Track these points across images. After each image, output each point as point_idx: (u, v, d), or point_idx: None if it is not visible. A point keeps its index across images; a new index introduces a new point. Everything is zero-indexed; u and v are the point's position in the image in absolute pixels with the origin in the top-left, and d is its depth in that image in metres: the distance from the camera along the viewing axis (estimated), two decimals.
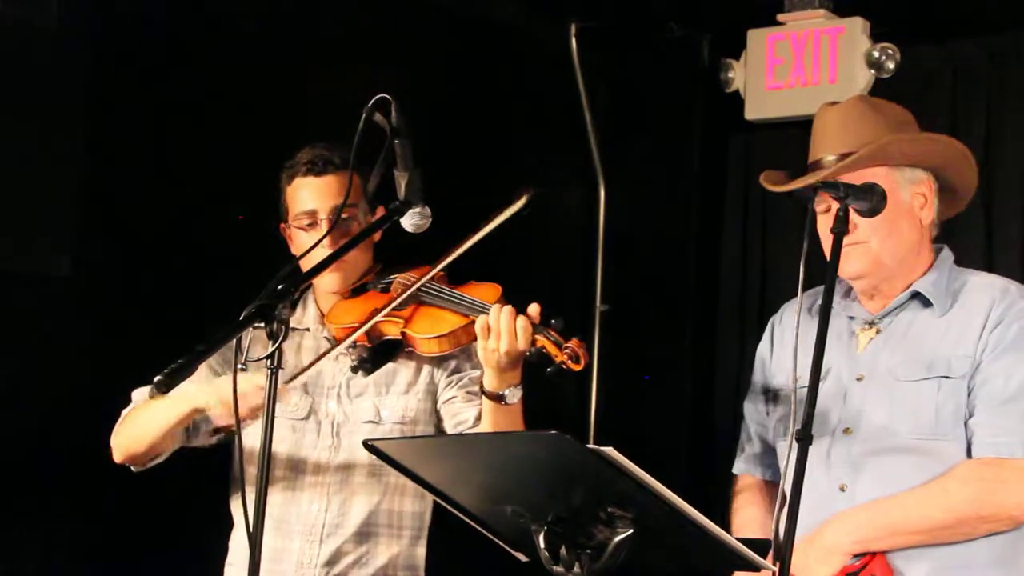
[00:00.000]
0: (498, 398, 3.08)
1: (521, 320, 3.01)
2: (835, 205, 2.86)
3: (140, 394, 3.32)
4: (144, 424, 3.23)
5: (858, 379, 3.13)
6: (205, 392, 3.09)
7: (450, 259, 3.19)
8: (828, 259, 2.98)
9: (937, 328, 3.10)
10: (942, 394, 3.02)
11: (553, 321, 3.05)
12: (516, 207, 3.18)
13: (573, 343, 3.02)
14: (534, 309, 3.05)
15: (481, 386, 3.12)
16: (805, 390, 3.10)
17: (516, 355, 3.03)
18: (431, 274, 3.20)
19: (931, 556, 3.00)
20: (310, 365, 3.16)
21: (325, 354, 3.18)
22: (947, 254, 3.21)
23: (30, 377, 3.90)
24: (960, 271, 3.20)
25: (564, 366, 3.01)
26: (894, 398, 3.06)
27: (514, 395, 3.08)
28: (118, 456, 3.29)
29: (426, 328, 3.20)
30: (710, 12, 5.37)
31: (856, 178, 2.99)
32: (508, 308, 3.03)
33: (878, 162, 3.08)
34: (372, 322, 3.18)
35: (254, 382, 2.90)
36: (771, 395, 3.35)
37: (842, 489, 3.07)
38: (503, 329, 3.00)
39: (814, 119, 3.22)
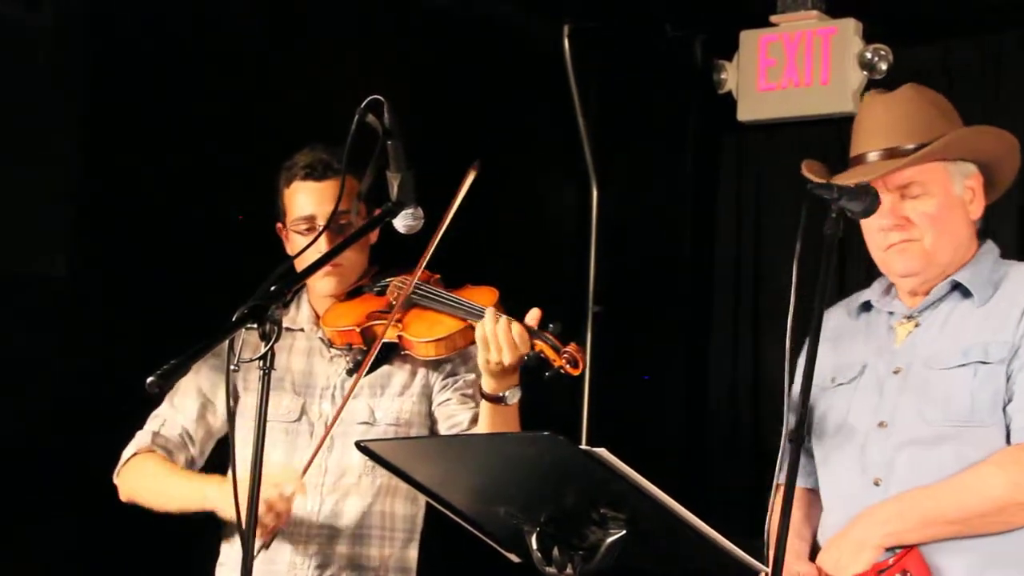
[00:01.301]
0: (498, 400, 3.07)
1: (517, 328, 3.00)
2: (890, 198, 2.83)
3: (144, 436, 3.34)
4: (154, 493, 3.27)
5: (895, 372, 3.04)
6: (219, 496, 3.10)
7: (429, 252, 3.17)
8: (872, 255, 3.04)
9: (977, 317, 3.00)
10: (978, 380, 2.92)
11: (551, 325, 3.03)
12: (467, 182, 3.15)
13: (571, 348, 3.00)
14: (534, 315, 3.04)
15: (480, 390, 3.12)
16: (826, 391, 3.11)
17: (516, 362, 3.02)
18: (417, 272, 3.19)
19: (969, 549, 2.89)
20: (318, 447, 3.19)
21: (330, 424, 3.21)
22: (991, 246, 3.13)
23: (29, 377, 3.91)
24: (1004, 263, 3.11)
25: (562, 371, 3.00)
26: (928, 387, 2.97)
27: (514, 396, 3.08)
28: (123, 498, 3.33)
29: (422, 332, 3.19)
30: (703, 13, 5.39)
31: (913, 173, 2.97)
32: (504, 320, 3.01)
33: (941, 156, 3.01)
34: (377, 343, 3.17)
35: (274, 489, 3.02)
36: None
37: (876, 483, 2.97)
38: (502, 341, 2.99)
39: (861, 109, 3.15)
